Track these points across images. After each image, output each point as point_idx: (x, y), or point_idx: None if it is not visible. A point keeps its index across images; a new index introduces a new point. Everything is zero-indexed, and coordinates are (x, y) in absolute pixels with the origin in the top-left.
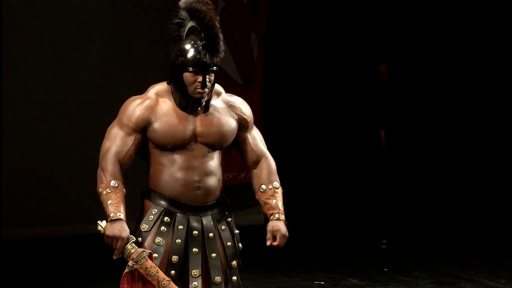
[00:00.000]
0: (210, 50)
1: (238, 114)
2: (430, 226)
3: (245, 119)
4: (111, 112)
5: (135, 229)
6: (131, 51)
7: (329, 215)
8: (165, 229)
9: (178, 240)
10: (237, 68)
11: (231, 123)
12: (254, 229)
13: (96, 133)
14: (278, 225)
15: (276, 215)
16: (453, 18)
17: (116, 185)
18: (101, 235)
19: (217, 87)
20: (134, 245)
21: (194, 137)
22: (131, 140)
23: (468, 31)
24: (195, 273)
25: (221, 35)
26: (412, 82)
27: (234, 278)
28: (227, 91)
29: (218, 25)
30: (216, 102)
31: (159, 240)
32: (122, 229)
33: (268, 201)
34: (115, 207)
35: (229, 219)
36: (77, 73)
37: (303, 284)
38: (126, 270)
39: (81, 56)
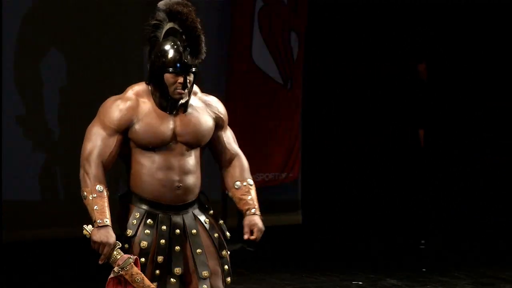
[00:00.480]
0: (192, 51)
1: (215, 113)
2: (468, 226)
3: (221, 118)
4: None
5: (118, 232)
6: (130, 51)
7: (368, 215)
8: (149, 232)
9: (162, 241)
10: (278, 68)
11: (209, 121)
12: (292, 229)
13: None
14: (254, 219)
15: (253, 210)
16: (491, 16)
17: (101, 189)
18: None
19: (194, 87)
20: (120, 251)
21: (174, 136)
22: (113, 142)
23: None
24: (177, 271)
25: (203, 37)
26: (452, 82)
27: (226, 267)
28: (267, 91)
29: (200, 27)
30: (193, 101)
31: (144, 244)
32: (109, 235)
33: (244, 197)
34: (101, 212)
35: (211, 212)
36: (78, 72)
37: (341, 284)
38: (112, 275)
39: (81, 55)
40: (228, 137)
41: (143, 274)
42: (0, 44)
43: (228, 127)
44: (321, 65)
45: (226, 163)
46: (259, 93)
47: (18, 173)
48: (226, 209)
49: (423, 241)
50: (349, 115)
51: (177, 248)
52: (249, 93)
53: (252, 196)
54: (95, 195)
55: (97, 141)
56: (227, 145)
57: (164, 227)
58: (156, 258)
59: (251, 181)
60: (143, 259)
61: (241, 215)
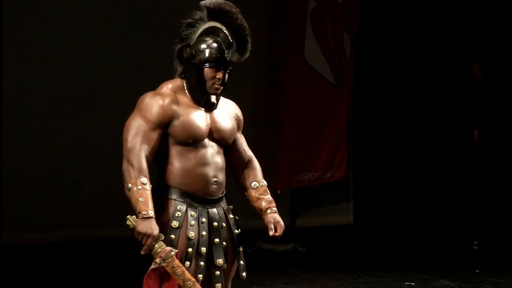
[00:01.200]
0: (239, 50)
1: (235, 116)
2: None
3: (240, 120)
4: (113, 112)
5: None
6: (131, 51)
7: (419, 215)
8: (194, 223)
9: (203, 232)
10: (330, 68)
11: (233, 123)
12: (343, 229)
13: (97, 134)
14: (277, 217)
15: (274, 209)
16: None
17: (145, 181)
18: (103, 240)
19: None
20: (162, 243)
21: (210, 132)
22: (155, 135)
23: None
24: (220, 262)
25: (249, 37)
26: (506, 81)
27: (242, 262)
28: (320, 91)
29: (248, 27)
30: (223, 103)
31: (192, 235)
32: (154, 227)
33: (262, 196)
34: (146, 204)
35: (231, 207)
36: (78, 72)
37: (393, 285)
38: (153, 266)
39: (81, 55)
40: (243, 140)
41: (184, 267)
42: (0, 43)
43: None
44: (372, 64)
45: (242, 166)
46: (311, 92)
47: (18, 175)
48: (277, 208)
49: (476, 242)
50: (401, 115)
51: (217, 240)
52: (300, 93)
53: (270, 195)
54: (140, 187)
55: (139, 134)
56: (244, 147)
57: (203, 219)
58: (200, 249)
59: (265, 182)
60: (190, 249)
61: (293, 216)
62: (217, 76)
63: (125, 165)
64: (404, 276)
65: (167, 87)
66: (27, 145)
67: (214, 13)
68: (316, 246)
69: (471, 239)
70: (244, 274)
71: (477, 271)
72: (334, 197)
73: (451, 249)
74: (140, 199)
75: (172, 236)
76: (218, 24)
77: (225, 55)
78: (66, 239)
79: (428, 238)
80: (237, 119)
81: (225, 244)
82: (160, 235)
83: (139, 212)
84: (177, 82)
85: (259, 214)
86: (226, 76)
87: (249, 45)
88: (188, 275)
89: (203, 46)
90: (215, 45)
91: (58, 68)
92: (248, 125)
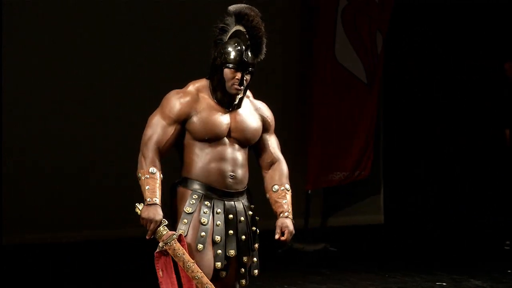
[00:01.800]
0: (253, 51)
1: (262, 116)
2: None
3: (268, 122)
4: (114, 113)
5: (170, 214)
6: (131, 51)
7: (450, 215)
8: (207, 212)
9: (218, 222)
10: (364, 67)
11: (258, 123)
12: (374, 229)
13: (97, 135)
14: (286, 222)
15: (286, 214)
16: None
17: (154, 171)
18: (103, 241)
19: (247, 91)
20: (166, 228)
21: (229, 131)
22: (171, 131)
23: None
24: (231, 253)
25: (264, 39)
26: None
27: (255, 259)
28: (351, 90)
29: (263, 29)
30: (246, 102)
31: (204, 220)
32: (157, 213)
33: (279, 200)
34: (151, 192)
35: (252, 206)
36: (78, 73)
37: (424, 285)
38: (157, 250)
39: (82, 55)
40: (272, 141)
41: (184, 250)
42: (0, 44)
43: (274, 134)
44: (403, 63)
45: (267, 166)
46: (342, 92)
47: (18, 175)
48: (309, 209)
49: (508, 242)
50: (432, 114)
51: (231, 232)
52: (331, 92)
53: (287, 200)
54: (148, 176)
55: (156, 129)
56: (270, 148)
57: (219, 210)
58: (214, 237)
59: (288, 186)
60: (203, 233)
61: (324, 216)
62: (236, 77)
63: (139, 156)
64: (435, 276)
65: (193, 86)
66: (27, 145)
67: (236, 16)
68: (347, 245)
69: (503, 239)
70: (256, 271)
71: (509, 271)
72: (365, 197)
73: (482, 249)
74: (147, 187)
75: (185, 220)
76: (241, 27)
77: (244, 57)
78: (67, 239)
79: (459, 238)
80: (264, 120)
81: (244, 238)
82: (163, 220)
83: (145, 200)
84: (203, 82)
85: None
86: (248, 77)
87: (263, 46)
88: (187, 257)
89: (224, 48)
90: (234, 47)
91: (58, 68)
92: (278, 125)
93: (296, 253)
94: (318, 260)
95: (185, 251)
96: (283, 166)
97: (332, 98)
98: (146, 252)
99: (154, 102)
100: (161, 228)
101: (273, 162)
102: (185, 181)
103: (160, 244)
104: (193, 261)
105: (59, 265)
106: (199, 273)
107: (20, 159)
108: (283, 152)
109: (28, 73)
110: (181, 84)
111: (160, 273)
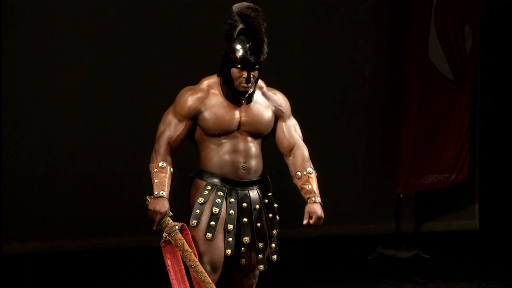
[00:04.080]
0: (254, 51)
1: (274, 106)
2: None
3: (280, 110)
4: (114, 113)
5: (189, 204)
6: (132, 50)
7: None
8: (220, 201)
9: (231, 211)
10: (448, 63)
11: (268, 114)
12: (468, 235)
13: (101, 140)
14: (314, 207)
15: (313, 199)
16: None
17: (164, 165)
18: (106, 250)
19: (260, 82)
20: (170, 219)
21: (239, 126)
22: (182, 126)
23: None
24: (246, 240)
25: (265, 39)
26: None
27: (273, 245)
28: (439, 89)
29: (264, 30)
30: (258, 95)
31: (215, 210)
32: (162, 205)
33: (304, 186)
34: (159, 185)
35: (270, 194)
36: (78, 72)
37: None
38: (162, 240)
39: (81, 55)
40: (289, 126)
41: (184, 240)
42: (0, 44)
43: (292, 119)
44: (498, 58)
45: (287, 152)
46: (433, 92)
47: (19, 182)
48: (400, 214)
49: None
50: None
51: (245, 220)
52: (423, 93)
53: (312, 185)
54: (157, 170)
55: (168, 125)
56: (286, 134)
57: (232, 200)
58: (227, 226)
59: (310, 170)
60: (213, 223)
61: (417, 221)
62: (243, 76)
63: (152, 152)
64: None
65: (204, 82)
66: (30, 150)
67: (239, 17)
68: (440, 252)
69: None
70: (274, 256)
71: None
72: (459, 201)
73: None
74: (155, 180)
75: (197, 211)
76: (245, 27)
77: (248, 56)
78: (69, 248)
79: None
80: (276, 110)
81: (259, 225)
82: (168, 212)
83: (154, 192)
84: (214, 78)
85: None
86: (255, 73)
87: (263, 48)
88: (187, 247)
89: (231, 47)
90: (239, 46)
91: (59, 68)
92: (368, 125)
93: (387, 260)
94: (410, 268)
95: (185, 242)
96: (303, 150)
97: (423, 98)
98: (151, 263)
99: (153, 111)
100: (165, 219)
101: (291, 147)
102: (201, 174)
103: (164, 234)
104: (190, 251)
105: (61, 274)
106: (195, 262)
107: (22, 166)
108: (373, 153)
109: (28, 73)
110: (192, 79)
111: (168, 261)
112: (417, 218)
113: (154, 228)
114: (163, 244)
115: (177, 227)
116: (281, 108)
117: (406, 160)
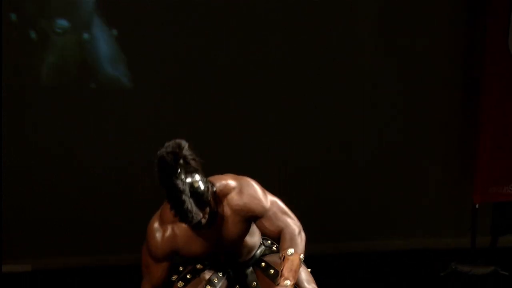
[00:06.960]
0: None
1: (244, 216)
2: None
3: (252, 215)
4: (116, 114)
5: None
6: (131, 50)
7: None
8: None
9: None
10: None
11: (240, 227)
12: None
13: (107, 153)
14: None
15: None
16: None
17: None
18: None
19: (222, 188)
20: None
21: (215, 248)
22: (159, 268)
23: None
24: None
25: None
26: None
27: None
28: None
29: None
30: (222, 210)
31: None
32: None
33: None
34: None
35: (267, 253)
36: (79, 72)
37: None
38: None
39: (81, 55)
40: (269, 219)
41: None
42: (0, 45)
43: (268, 205)
44: None
45: (277, 239)
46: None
47: (21, 197)
48: (476, 226)
49: None
50: None
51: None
52: (503, 91)
53: (285, 268)
54: None
55: (147, 267)
56: (269, 227)
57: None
58: None
59: (289, 251)
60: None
61: (495, 233)
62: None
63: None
64: None
65: (167, 213)
66: (32, 161)
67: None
68: None
69: None
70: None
71: None
72: None
73: None
74: None
75: (189, 275)
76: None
77: (190, 216)
78: (70, 265)
79: None
80: (248, 217)
81: (254, 284)
82: None
83: None
84: (166, 206)
85: None
86: (206, 210)
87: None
88: None
89: (173, 200)
90: (178, 206)
91: (58, 68)
92: (443, 128)
93: (462, 277)
94: (487, 285)
95: None
96: (286, 231)
97: (504, 98)
98: None
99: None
100: None
101: (279, 234)
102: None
103: None
104: None
105: None
106: None
107: (23, 180)
108: (448, 161)
109: (28, 73)
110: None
111: None
112: (494, 231)
113: None
114: None
115: None
116: (252, 214)
117: (483, 167)
